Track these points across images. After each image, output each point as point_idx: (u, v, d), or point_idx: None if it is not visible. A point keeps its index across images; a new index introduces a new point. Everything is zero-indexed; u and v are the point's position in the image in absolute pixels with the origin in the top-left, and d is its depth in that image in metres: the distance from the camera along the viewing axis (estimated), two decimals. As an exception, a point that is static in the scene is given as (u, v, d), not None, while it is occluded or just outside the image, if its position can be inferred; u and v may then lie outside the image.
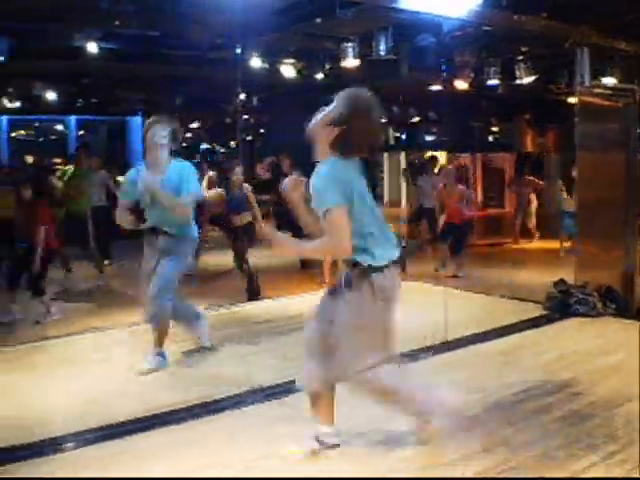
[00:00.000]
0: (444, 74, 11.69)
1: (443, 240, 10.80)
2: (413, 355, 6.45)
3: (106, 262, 11.40)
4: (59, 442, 4.76)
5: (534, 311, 8.09)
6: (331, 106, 4.14)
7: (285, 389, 5.52)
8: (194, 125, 23.23)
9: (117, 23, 9.32)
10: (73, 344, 7.29)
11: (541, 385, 5.58)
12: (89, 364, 6.55)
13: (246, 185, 9.13)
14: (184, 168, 6.25)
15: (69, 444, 4.75)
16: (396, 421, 4.86)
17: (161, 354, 6.29)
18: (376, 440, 4.59)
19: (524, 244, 14.22)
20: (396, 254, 4.18)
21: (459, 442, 4.52)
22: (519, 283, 10.10)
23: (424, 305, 8.24)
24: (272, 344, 7.04)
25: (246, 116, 17.42)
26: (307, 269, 10.81)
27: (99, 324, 8.01)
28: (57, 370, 6.33)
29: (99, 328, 7.81)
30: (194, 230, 6.39)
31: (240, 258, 9.12)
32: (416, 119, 19.45)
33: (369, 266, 4.04)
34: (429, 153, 16.51)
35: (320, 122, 4.14)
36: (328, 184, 3.94)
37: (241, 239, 9.13)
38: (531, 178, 14.61)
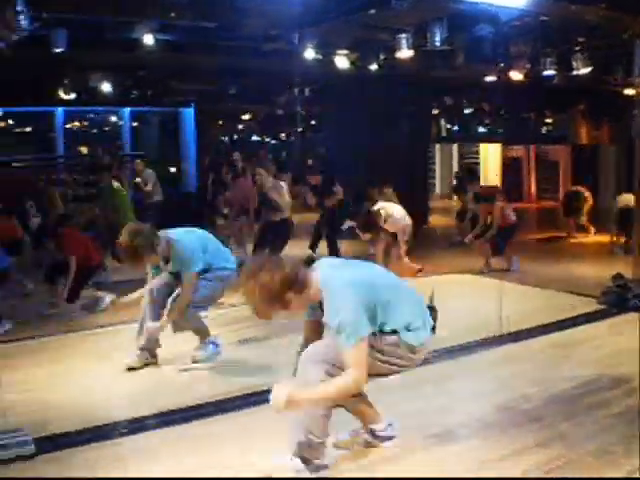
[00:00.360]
0: (500, 65, 11.57)
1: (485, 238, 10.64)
2: (468, 348, 6.45)
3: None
4: (110, 429, 4.84)
5: (590, 305, 7.99)
6: None
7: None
8: (246, 117, 23.30)
9: (173, 15, 9.39)
10: (120, 334, 7.38)
11: (598, 380, 5.51)
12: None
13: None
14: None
15: (119, 431, 4.82)
16: (449, 415, 4.87)
17: (212, 342, 6.35)
18: (429, 434, 4.58)
19: (580, 238, 14.01)
20: None
21: (513, 436, 4.50)
22: (573, 277, 9.97)
23: (478, 298, 8.23)
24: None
25: (298, 108, 17.45)
26: None
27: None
28: (105, 359, 6.42)
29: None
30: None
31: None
32: (469, 110, 19.28)
33: None
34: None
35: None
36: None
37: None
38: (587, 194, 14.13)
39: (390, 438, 4.34)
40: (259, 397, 5.25)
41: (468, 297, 8.71)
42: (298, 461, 3.91)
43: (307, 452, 3.91)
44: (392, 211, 10.03)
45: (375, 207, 10.01)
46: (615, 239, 11.92)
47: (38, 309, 8.28)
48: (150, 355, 6.20)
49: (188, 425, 4.87)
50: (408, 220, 10.13)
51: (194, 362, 6.20)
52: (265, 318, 3.91)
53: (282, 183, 10.23)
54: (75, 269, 7.99)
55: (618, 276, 8.17)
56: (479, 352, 6.35)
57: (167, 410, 5.11)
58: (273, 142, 27.19)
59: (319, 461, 3.98)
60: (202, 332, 6.30)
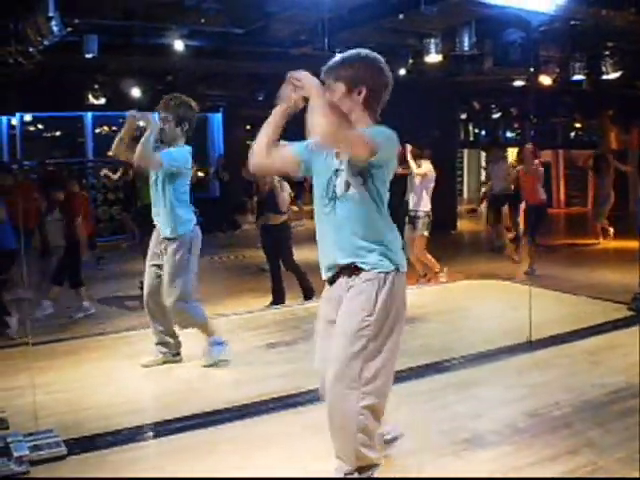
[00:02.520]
0: (529, 69, 11.52)
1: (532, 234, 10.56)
2: (497, 354, 6.43)
3: None
4: (140, 432, 4.88)
5: (619, 312, 7.90)
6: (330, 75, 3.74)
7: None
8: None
9: (203, 21, 9.43)
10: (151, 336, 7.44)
11: (629, 387, 5.45)
12: (186, 352, 6.69)
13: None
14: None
15: (149, 434, 4.88)
16: (478, 420, 4.86)
17: (216, 343, 6.31)
18: (458, 440, 4.57)
19: (606, 243, 13.86)
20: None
21: (543, 443, 4.48)
22: (603, 283, 9.90)
23: (507, 304, 8.20)
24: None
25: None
26: None
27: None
28: (135, 361, 6.46)
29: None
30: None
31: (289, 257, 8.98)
32: (497, 115, 19.20)
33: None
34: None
35: (334, 91, 3.67)
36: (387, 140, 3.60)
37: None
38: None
39: (394, 440, 4.26)
40: (288, 401, 5.31)
41: (497, 303, 8.69)
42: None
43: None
44: None
45: None
46: None
47: (68, 312, 8.34)
48: (170, 353, 6.22)
49: (215, 429, 4.90)
50: None
51: (206, 366, 6.21)
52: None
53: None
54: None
55: (648, 282, 8.10)
56: (508, 358, 6.32)
57: (196, 413, 5.13)
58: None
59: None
60: (205, 329, 6.29)
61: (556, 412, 4.99)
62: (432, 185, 9.66)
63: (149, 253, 6.20)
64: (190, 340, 7.05)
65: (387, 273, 3.59)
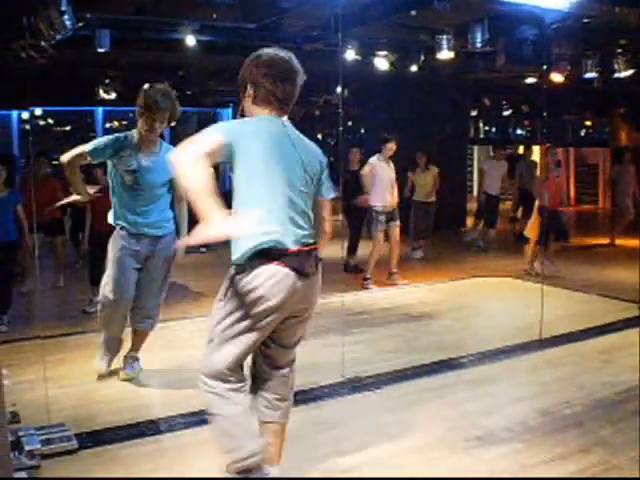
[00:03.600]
0: (541, 67, 11.48)
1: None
2: (509, 351, 6.42)
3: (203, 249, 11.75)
4: (151, 425, 4.89)
5: (630, 310, 7.90)
6: None
7: (380, 380, 5.56)
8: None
9: (214, 16, 9.42)
10: (164, 331, 7.45)
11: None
12: (193, 349, 6.69)
13: None
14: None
15: (161, 428, 4.87)
16: (490, 418, 4.85)
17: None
18: (470, 436, 4.56)
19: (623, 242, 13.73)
20: None
21: (555, 441, 4.48)
22: (614, 282, 9.87)
23: (519, 302, 8.19)
24: (366, 335, 7.06)
25: (338, 109, 17.42)
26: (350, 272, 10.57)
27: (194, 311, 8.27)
28: (147, 355, 6.48)
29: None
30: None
31: None
32: (508, 112, 19.15)
33: None
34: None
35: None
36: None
37: None
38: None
39: None
40: (302, 396, 5.31)
41: (508, 300, 8.68)
42: None
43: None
44: None
45: None
46: None
47: (80, 305, 8.34)
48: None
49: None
50: None
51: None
52: None
53: None
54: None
55: (659, 281, 8.07)
56: (520, 356, 6.32)
57: (199, 410, 5.12)
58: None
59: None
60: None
61: (567, 410, 4.99)
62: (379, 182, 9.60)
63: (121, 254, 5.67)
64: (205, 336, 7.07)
65: None
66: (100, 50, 9.38)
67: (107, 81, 13.76)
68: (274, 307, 3.40)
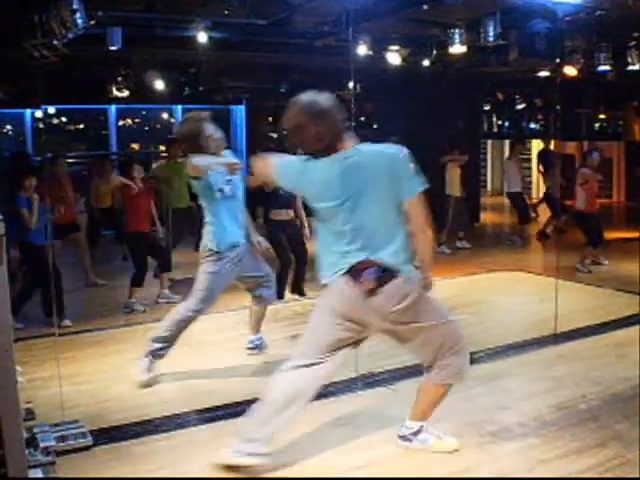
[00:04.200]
0: (554, 60, 11.43)
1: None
2: (524, 346, 6.40)
3: None
4: (165, 422, 4.92)
5: (647, 304, 7.87)
6: None
7: (394, 376, 5.55)
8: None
9: (226, 12, 9.42)
10: (192, 325, 7.46)
11: (656, 380, 5.43)
12: (203, 345, 6.72)
13: None
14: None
15: (174, 424, 4.89)
16: (505, 413, 4.84)
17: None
18: (484, 432, 4.55)
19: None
20: None
21: (573, 435, 4.47)
22: (627, 275, 9.80)
23: (533, 296, 8.15)
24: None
25: (351, 105, 17.42)
26: None
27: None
28: (173, 350, 6.49)
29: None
30: None
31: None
32: (522, 106, 19.06)
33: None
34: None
35: None
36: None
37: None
38: None
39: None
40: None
41: (523, 295, 8.65)
42: None
43: None
44: None
45: None
46: None
47: (96, 302, 8.37)
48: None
49: (236, 421, 4.85)
50: None
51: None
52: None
53: None
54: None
55: (675, 275, 8.03)
56: (534, 350, 6.30)
57: (223, 404, 5.16)
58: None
59: None
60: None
61: (583, 405, 4.98)
62: None
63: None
64: (216, 334, 7.12)
65: None
66: (112, 48, 9.39)
67: (119, 79, 13.76)
68: None
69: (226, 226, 5.82)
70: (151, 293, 8.79)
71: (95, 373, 6.02)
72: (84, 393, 5.50)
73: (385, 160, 3.93)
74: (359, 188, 3.87)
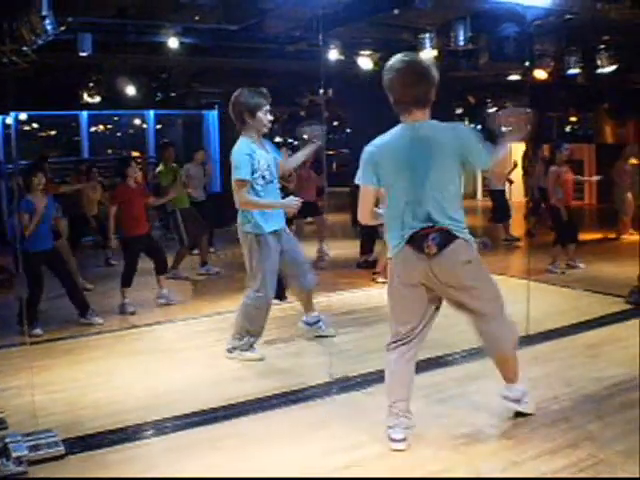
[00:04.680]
0: (524, 64, 11.53)
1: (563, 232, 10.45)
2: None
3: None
4: (140, 430, 4.88)
5: (618, 305, 7.92)
6: None
7: (369, 380, 5.57)
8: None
9: (197, 18, 9.42)
10: (153, 334, 7.46)
11: (628, 380, 5.46)
12: (178, 352, 6.70)
13: None
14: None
15: (150, 432, 4.86)
16: (478, 414, 4.86)
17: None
18: (458, 434, 4.57)
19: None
20: None
21: (546, 436, 4.49)
22: (600, 277, 9.89)
23: (505, 298, 8.17)
24: (353, 335, 7.06)
25: (322, 109, 17.41)
26: (362, 269, 10.74)
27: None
28: (137, 360, 6.48)
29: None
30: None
31: None
32: (493, 109, 19.18)
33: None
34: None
35: None
36: None
37: None
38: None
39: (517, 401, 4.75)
40: (291, 397, 5.33)
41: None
42: None
43: None
44: None
45: None
46: None
47: (69, 311, 8.29)
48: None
49: (218, 425, 4.91)
50: None
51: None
52: None
53: None
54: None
55: (645, 276, 8.10)
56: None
57: (197, 411, 5.14)
58: (296, 143, 27.20)
59: None
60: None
61: (555, 406, 4.99)
62: None
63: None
64: (191, 340, 7.10)
65: None
66: (82, 54, 9.36)
67: (91, 85, 13.71)
68: None
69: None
70: (146, 296, 8.85)
71: (69, 381, 5.98)
72: (59, 401, 5.46)
73: (453, 135, 4.25)
74: (425, 158, 4.17)
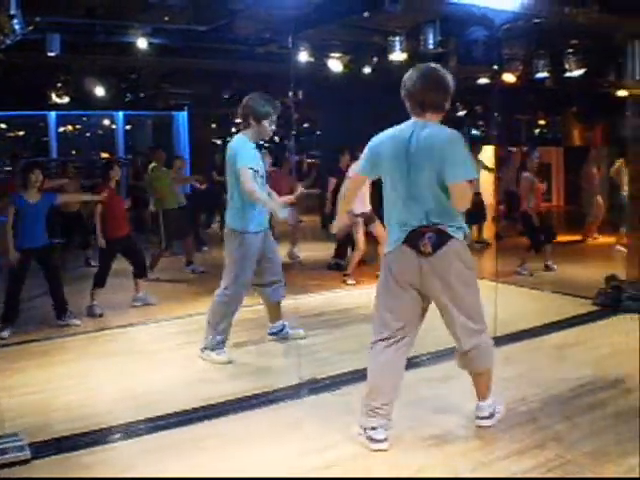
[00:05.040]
0: (493, 67, 11.60)
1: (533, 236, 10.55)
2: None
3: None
4: (109, 433, 4.84)
5: (585, 307, 8.00)
6: None
7: (338, 381, 5.57)
8: (239, 120, 23.26)
9: (166, 18, 9.36)
10: (126, 336, 7.42)
11: (594, 381, 5.54)
12: (150, 354, 6.68)
13: None
14: None
15: (118, 435, 4.82)
16: (447, 416, 4.88)
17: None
18: (426, 435, 4.59)
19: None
20: None
21: (513, 437, 4.52)
22: (568, 279, 9.99)
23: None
24: (323, 337, 7.07)
25: (292, 111, 17.39)
26: (332, 270, 10.81)
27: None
28: (108, 362, 6.44)
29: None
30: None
31: None
32: (462, 113, 19.28)
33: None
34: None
35: None
36: None
37: None
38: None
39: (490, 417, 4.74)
40: (262, 399, 5.32)
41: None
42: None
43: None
44: None
45: None
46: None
47: (42, 313, 8.21)
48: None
49: (191, 427, 4.89)
50: None
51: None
52: None
53: None
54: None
55: (612, 277, 8.19)
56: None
57: (169, 413, 5.11)
58: (267, 145, 27.13)
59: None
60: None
61: (523, 407, 5.04)
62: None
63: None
64: (162, 342, 7.06)
65: None
66: (51, 54, 9.28)
67: (59, 85, 13.60)
68: None
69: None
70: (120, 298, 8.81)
71: (43, 383, 5.91)
72: (30, 404, 5.40)
73: (446, 139, 4.31)
74: (424, 155, 4.25)
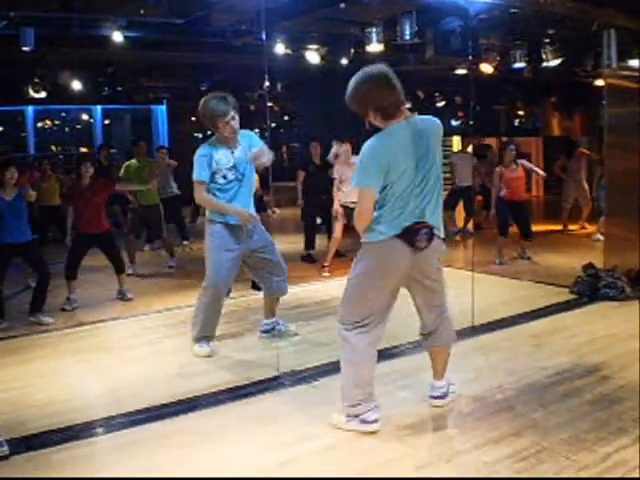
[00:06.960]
0: (470, 58, 11.61)
1: (504, 226, 10.61)
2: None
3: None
4: (87, 428, 4.81)
5: (562, 295, 8.05)
6: None
7: (316, 373, 5.58)
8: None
9: (142, 11, 9.34)
10: (101, 332, 7.38)
11: (571, 369, 5.57)
12: (126, 349, 6.66)
13: None
14: (250, 136, 6.41)
15: (96, 430, 4.80)
16: (423, 405, 4.90)
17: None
18: (403, 425, 4.60)
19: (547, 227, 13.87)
20: None
21: (490, 425, 4.54)
22: (545, 267, 10.04)
23: (450, 289, 8.24)
24: (302, 329, 7.06)
25: (270, 103, 17.37)
26: (307, 262, 10.85)
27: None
28: (84, 357, 6.42)
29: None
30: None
31: None
32: (442, 104, 19.32)
33: None
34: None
35: None
36: None
37: None
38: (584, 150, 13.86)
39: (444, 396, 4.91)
40: (237, 392, 5.31)
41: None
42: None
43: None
44: None
45: None
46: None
47: (16, 308, 8.17)
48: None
49: (165, 422, 4.86)
50: None
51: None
52: None
53: None
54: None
55: (589, 266, 8.23)
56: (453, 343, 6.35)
57: (144, 407, 5.09)
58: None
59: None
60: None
61: (499, 395, 5.06)
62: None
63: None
64: (139, 337, 7.04)
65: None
66: (25, 49, 9.22)
67: (36, 80, 13.52)
68: None
69: None
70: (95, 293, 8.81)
71: (14, 380, 5.87)
72: (3, 401, 5.37)
73: (436, 124, 4.49)
74: (427, 151, 4.34)
